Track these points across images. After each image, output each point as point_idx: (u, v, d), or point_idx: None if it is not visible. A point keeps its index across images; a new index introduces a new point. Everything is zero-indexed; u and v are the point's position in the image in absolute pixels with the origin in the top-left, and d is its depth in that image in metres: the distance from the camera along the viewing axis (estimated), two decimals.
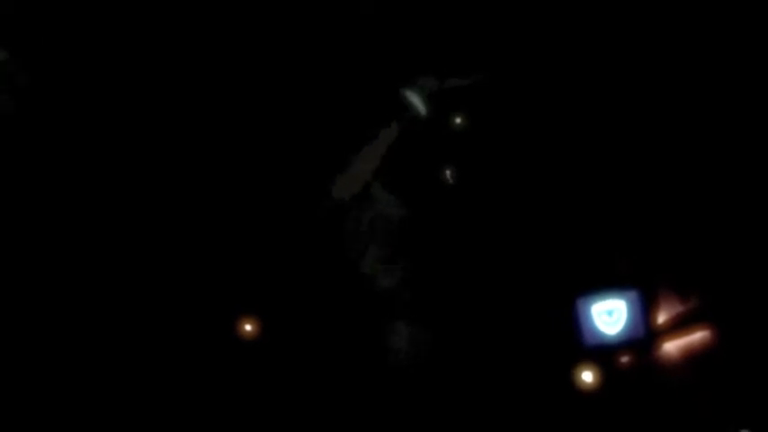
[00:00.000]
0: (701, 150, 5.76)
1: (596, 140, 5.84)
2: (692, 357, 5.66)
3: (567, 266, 5.78)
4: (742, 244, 5.65)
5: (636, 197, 5.79)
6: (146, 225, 5.96)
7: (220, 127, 6.00)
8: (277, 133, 5.98)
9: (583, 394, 5.63)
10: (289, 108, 5.96)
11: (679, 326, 5.69)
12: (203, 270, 5.92)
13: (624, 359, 5.70)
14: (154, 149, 6.00)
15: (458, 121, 5.64)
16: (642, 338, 5.67)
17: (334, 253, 5.87)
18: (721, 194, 5.70)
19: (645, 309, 5.68)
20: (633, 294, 5.69)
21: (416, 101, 5.48)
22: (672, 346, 5.69)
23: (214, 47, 5.95)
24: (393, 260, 5.77)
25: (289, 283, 5.91)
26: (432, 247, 5.83)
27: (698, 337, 5.66)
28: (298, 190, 5.91)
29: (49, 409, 5.74)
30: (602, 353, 5.67)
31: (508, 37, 5.91)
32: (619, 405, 5.64)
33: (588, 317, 5.69)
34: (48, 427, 5.72)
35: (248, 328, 5.89)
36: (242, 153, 5.99)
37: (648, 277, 5.72)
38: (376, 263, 5.80)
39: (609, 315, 5.69)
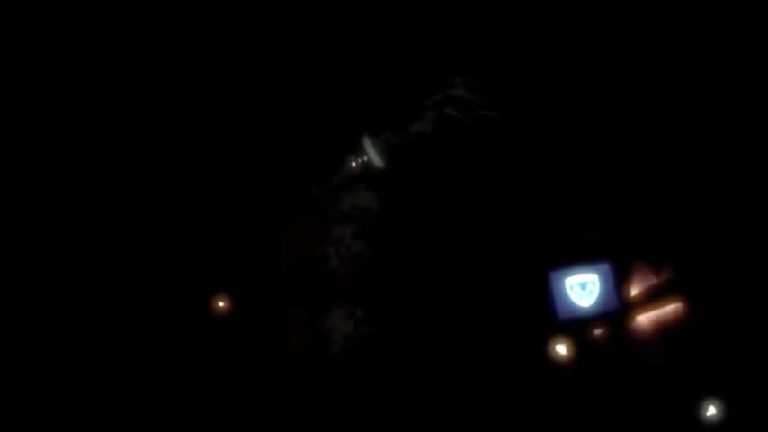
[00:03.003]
0: (673, 124, 5.78)
1: (569, 117, 5.85)
2: (664, 329, 5.68)
3: (540, 240, 5.79)
4: (713, 217, 5.67)
5: (608, 170, 5.80)
6: (121, 208, 5.94)
7: (198, 119, 5.99)
8: (253, 126, 5.97)
9: (557, 366, 5.65)
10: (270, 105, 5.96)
11: (651, 298, 5.71)
12: (178, 250, 5.91)
13: (597, 331, 5.72)
14: (132, 138, 5.98)
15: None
16: (615, 311, 5.69)
17: (307, 238, 5.89)
18: (693, 168, 5.73)
19: (617, 281, 5.70)
20: (606, 267, 5.70)
21: (373, 152, 5.46)
22: (644, 318, 5.71)
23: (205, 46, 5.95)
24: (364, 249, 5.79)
25: (260, 265, 5.91)
26: (403, 227, 5.83)
27: (670, 309, 5.69)
28: (273, 178, 5.92)
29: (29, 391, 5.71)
30: (576, 325, 5.69)
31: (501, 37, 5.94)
32: (593, 377, 5.66)
33: (561, 290, 5.70)
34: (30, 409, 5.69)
35: (221, 304, 5.89)
36: (214, 140, 5.98)
37: (621, 250, 5.74)
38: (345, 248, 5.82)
39: (582, 288, 5.70)
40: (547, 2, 5.83)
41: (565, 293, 5.70)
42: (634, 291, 5.73)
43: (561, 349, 5.67)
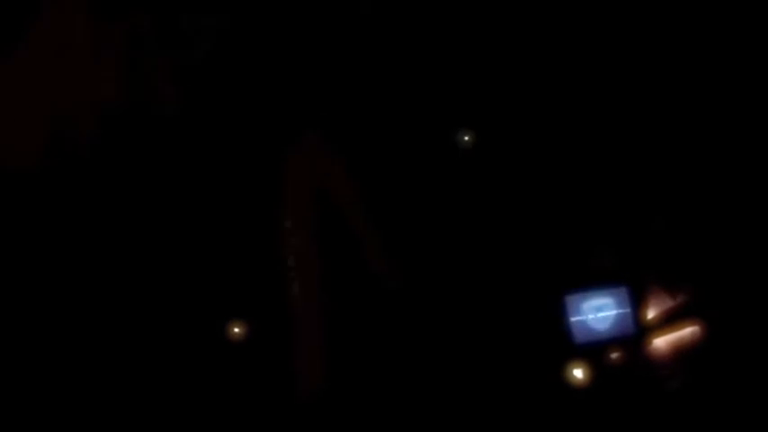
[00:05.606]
0: (687, 147, 5.78)
1: (581, 137, 5.86)
2: (681, 352, 5.65)
3: (556, 263, 5.79)
4: (730, 238, 5.66)
5: (624, 193, 5.81)
6: (135, 229, 5.96)
7: (210, 131, 6.02)
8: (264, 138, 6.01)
9: (573, 391, 5.62)
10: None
11: (669, 321, 5.69)
12: (191, 273, 5.91)
13: (614, 355, 5.69)
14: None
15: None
16: (632, 334, 5.68)
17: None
18: (709, 189, 5.72)
19: (634, 305, 5.69)
20: (622, 290, 5.70)
21: None
22: (662, 342, 5.69)
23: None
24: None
25: (276, 286, 5.91)
26: (417, 247, 5.84)
27: (687, 332, 5.67)
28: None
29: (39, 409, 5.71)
30: (592, 349, 5.67)
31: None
32: (610, 401, 5.62)
33: (577, 314, 5.69)
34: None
35: (236, 330, 5.88)
36: (226, 158, 6.01)
37: (637, 273, 5.73)
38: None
39: (598, 311, 5.69)
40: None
41: (581, 317, 5.69)
42: (651, 314, 5.72)
43: (578, 373, 5.64)
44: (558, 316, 5.70)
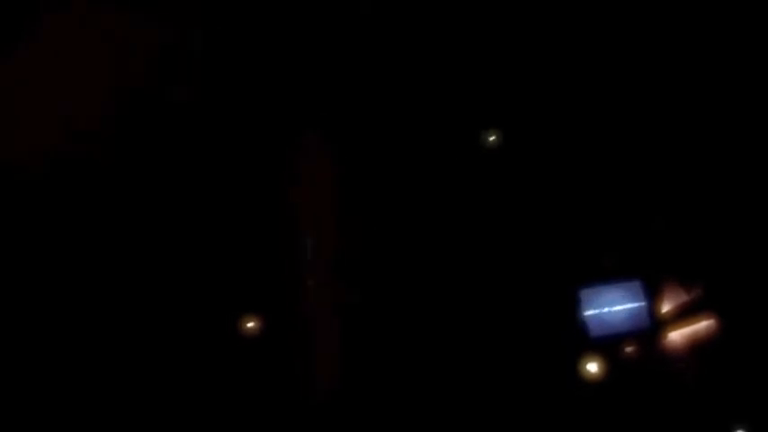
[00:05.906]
0: (701, 144, 5.78)
1: (596, 135, 5.86)
2: (696, 346, 5.66)
3: (572, 258, 5.78)
4: (744, 233, 5.66)
5: (639, 189, 5.81)
6: (148, 225, 5.94)
7: (218, 129, 6.00)
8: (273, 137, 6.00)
9: (589, 384, 5.62)
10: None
11: (683, 315, 5.69)
12: (206, 269, 5.90)
13: (629, 349, 5.70)
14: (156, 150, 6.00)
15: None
16: (647, 328, 5.68)
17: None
18: (723, 185, 5.72)
19: (649, 299, 5.69)
20: (637, 285, 5.70)
21: None
22: (677, 335, 5.69)
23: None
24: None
25: (290, 281, 5.90)
26: (434, 244, 5.84)
27: (702, 325, 5.67)
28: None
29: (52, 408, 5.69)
30: (608, 343, 5.67)
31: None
32: (624, 394, 5.63)
33: (593, 308, 5.69)
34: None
35: (250, 325, 5.87)
36: (240, 156, 5.99)
37: (653, 267, 5.73)
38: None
39: (614, 305, 5.69)
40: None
41: (597, 311, 5.69)
42: (666, 308, 5.72)
43: (593, 367, 5.64)
44: (573, 310, 5.70)
